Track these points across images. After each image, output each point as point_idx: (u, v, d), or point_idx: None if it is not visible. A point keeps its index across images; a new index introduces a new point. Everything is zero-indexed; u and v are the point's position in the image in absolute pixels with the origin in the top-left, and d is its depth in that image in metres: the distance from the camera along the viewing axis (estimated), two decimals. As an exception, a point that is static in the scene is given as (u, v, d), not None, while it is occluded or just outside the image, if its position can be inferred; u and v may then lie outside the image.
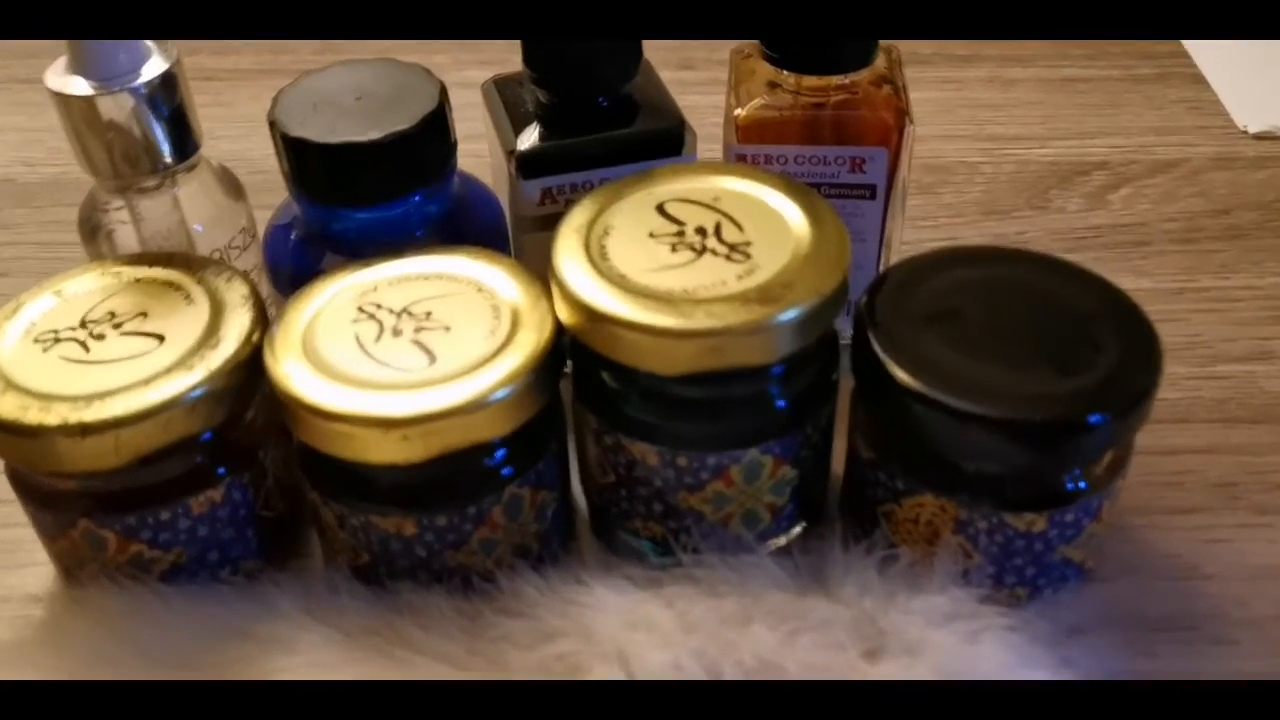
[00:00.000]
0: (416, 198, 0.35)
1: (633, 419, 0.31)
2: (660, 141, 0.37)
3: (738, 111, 0.37)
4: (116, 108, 0.33)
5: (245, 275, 0.33)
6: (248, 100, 0.59)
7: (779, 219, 0.32)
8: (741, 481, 0.31)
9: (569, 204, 0.36)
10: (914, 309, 0.32)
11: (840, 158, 0.37)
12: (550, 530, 0.33)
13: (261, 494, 0.33)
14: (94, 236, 0.35)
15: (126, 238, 0.36)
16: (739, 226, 0.31)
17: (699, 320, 0.28)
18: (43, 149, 0.54)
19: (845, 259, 0.30)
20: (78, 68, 0.33)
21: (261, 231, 0.38)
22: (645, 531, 0.33)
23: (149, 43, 0.34)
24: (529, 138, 0.36)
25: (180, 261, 0.34)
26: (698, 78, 0.59)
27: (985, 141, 0.53)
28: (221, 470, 0.31)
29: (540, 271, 0.37)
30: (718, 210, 0.32)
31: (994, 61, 0.59)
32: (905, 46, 0.40)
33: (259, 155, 0.55)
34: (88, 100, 0.33)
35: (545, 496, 0.32)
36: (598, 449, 0.32)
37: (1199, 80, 0.57)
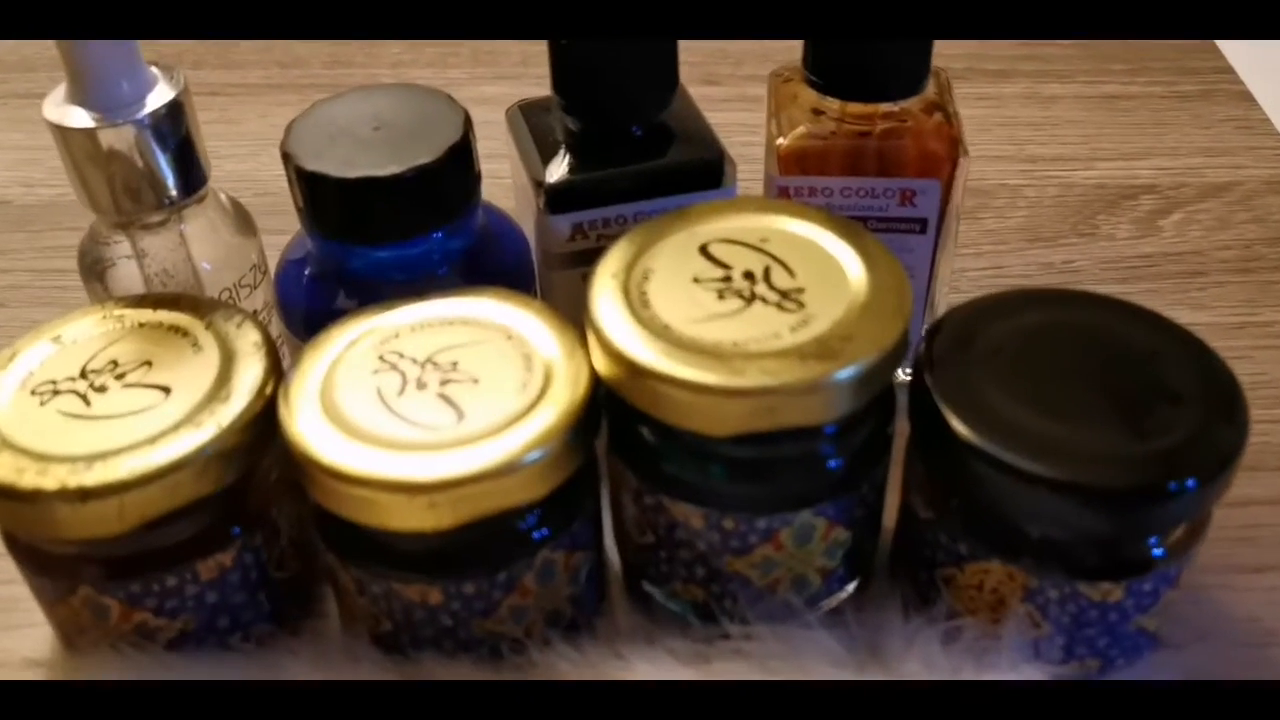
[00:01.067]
0: (438, 235, 0.33)
1: (675, 478, 0.29)
2: (699, 173, 0.34)
3: (780, 141, 0.35)
4: (119, 140, 0.31)
5: (257, 319, 0.31)
6: (255, 118, 0.57)
7: (832, 262, 0.29)
8: (792, 545, 0.29)
9: (600, 240, 0.34)
10: (977, 356, 0.29)
11: (890, 190, 0.35)
12: (583, 593, 0.31)
13: (275, 554, 0.31)
14: (95, 276, 0.33)
15: (129, 275, 0.34)
16: (790, 271, 0.29)
17: (751, 378, 0.26)
18: (42, 169, 0.52)
19: (906, 308, 0.28)
20: (78, 97, 0.31)
21: (273, 266, 0.36)
22: (685, 594, 0.31)
23: (154, 69, 0.32)
24: (558, 169, 0.34)
25: (187, 304, 0.31)
26: (724, 94, 0.57)
27: (1026, 163, 0.51)
28: (233, 532, 0.29)
29: (571, 312, 0.35)
30: (766, 252, 0.30)
31: (1030, 77, 0.56)
32: (935, 61, 0.37)
33: (268, 176, 0.53)
34: (88, 133, 0.30)
35: (579, 558, 0.30)
36: (635, 508, 0.30)
37: (1246, 98, 0.54)
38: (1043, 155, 0.51)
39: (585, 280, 0.35)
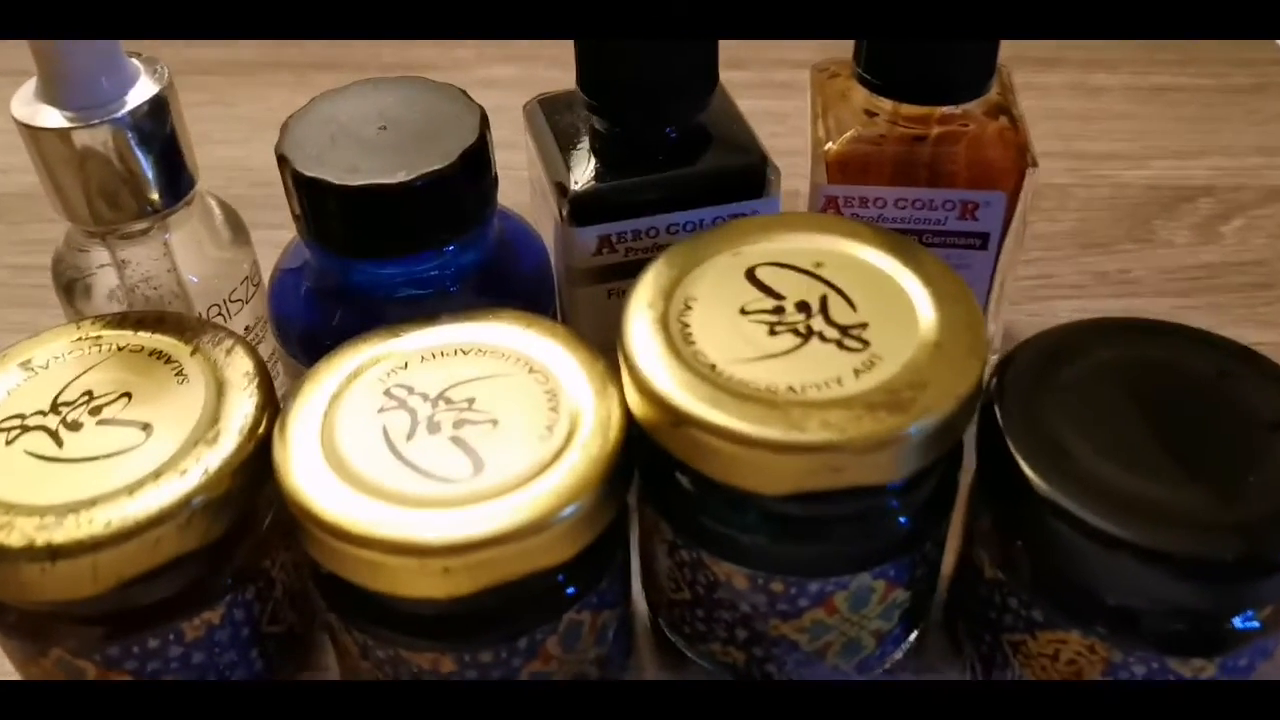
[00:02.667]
0: (451, 248, 0.29)
1: (716, 534, 0.26)
2: (739, 181, 0.31)
3: (828, 146, 0.32)
4: (96, 142, 0.27)
5: (249, 344, 0.28)
6: (249, 100, 0.53)
7: (895, 291, 0.26)
8: (846, 609, 0.26)
9: (630, 253, 0.31)
10: (1054, 397, 0.26)
11: (950, 202, 0.32)
12: (610, 653, 0.28)
13: (268, 608, 0.27)
14: (71, 290, 0.30)
15: (108, 288, 0.30)
16: (849, 302, 0.26)
17: (812, 432, 0.23)
18: (20, 154, 0.47)
19: (982, 348, 0.25)
20: (50, 94, 0.27)
21: (266, 274, 0.33)
22: (724, 657, 0.28)
23: (135, 62, 0.28)
24: (583, 175, 0.31)
25: (172, 324, 0.28)
26: (749, 80, 0.53)
27: (1075, 160, 0.47)
28: (222, 587, 0.26)
29: (596, 332, 0.32)
30: (821, 279, 0.26)
31: (1076, 66, 0.53)
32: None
33: (261, 164, 0.49)
34: (61, 134, 0.27)
35: (607, 617, 0.27)
36: (670, 561, 0.27)
37: (1305, 91, 0.51)
38: (1092, 152, 0.48)
39: (611, 297, 0.32)
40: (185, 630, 0.26)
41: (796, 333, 0.25)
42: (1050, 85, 0.52)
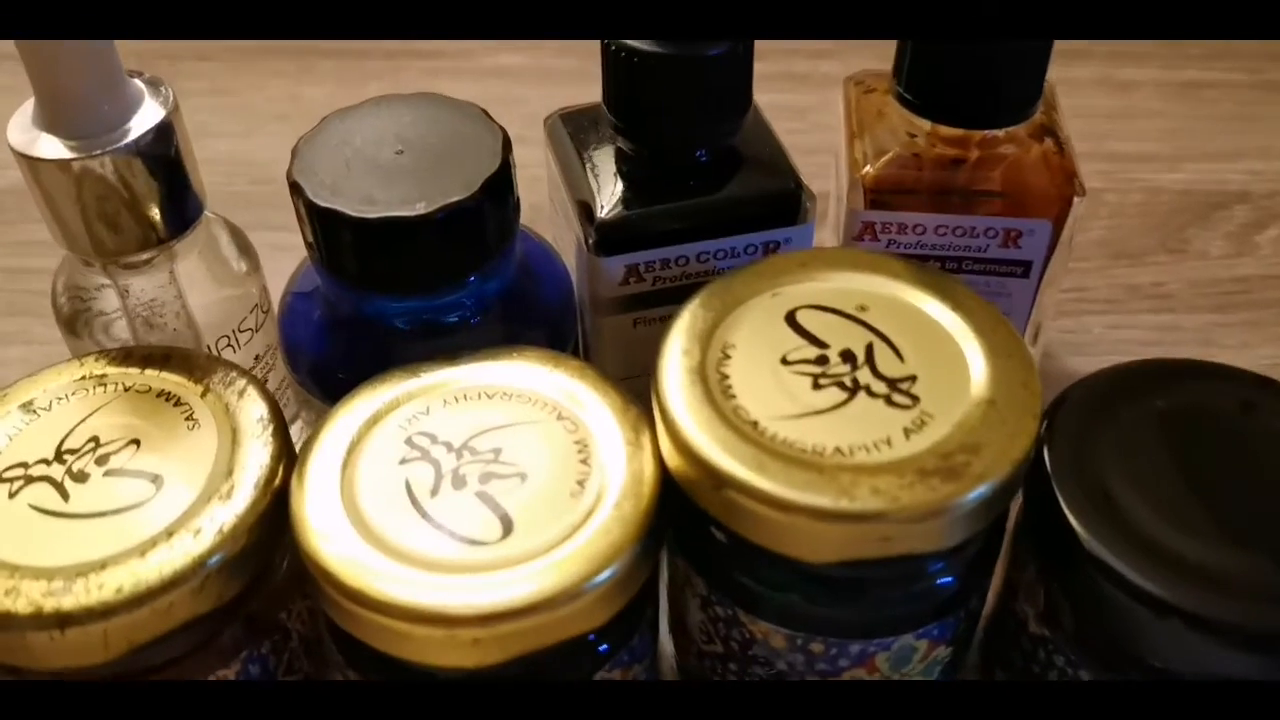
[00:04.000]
0: (471, 279, 0.28)
1: (754, 593, 0.25)
2: (773, 208, 0.30)
3: (866, 170, 0.30)
4: (99, 174, 0.26)
5: (262, 386, 0.26)
6: (248, 89, 0.51)
7: (944, 339, 0.25)
8: (887, 669, 0.25)
9: (657, 282, 0.30)
10: (1107, 449, 0.25)
11: (992, 230, 0.30)
12: (640, 705, 0.27)
13: (284, 659, 0.26)
14: (72, 321, 0.29)
15: (111, 317, 0.29)
16: (896, 351, 0.25)
17: (862, 500, 0.22)
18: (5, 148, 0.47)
19: (1037, 406, 0.24)
20: (48, 120, 0.26)
21: (275, 294, 0.31)
22: (757, 710, 0.27)
23: (138, 84, 0.27)
24: (610, 202, 0.29)
25: (180, 362, 0.27)
26: (764, 72, 0.51)
27: (1105, 162, 0.46)
28: (237, 644, 0.25)
29: (621, 363, 0.31)
30: (865, 324, 0.25)
31: (1103, 59, 0.51)
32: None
33: (263, 159, 0.48)
34: (62, 165, 0.26)
35: (636, 671, 0.26)
36: (702, 614, 0.26)
37: (1342, 89, 0.50)
38: (1123, 153, 0.46)
39: (637, 326, 0.31)
40: (199, 689, 0.25)
41: (842, 386, 0.24)
42: (1078, 80, 0.50)
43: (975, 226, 0.30)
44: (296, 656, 0.27)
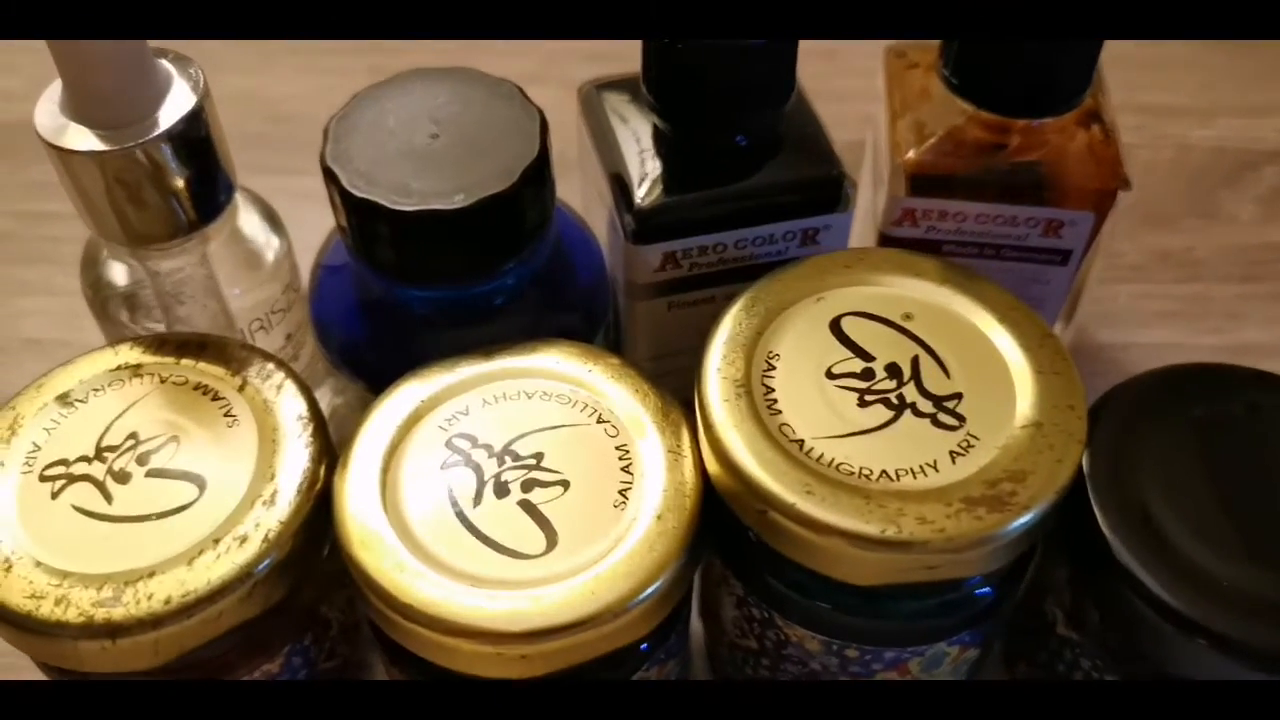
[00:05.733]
0: (507, 267, 0.28)
1: (792, 601, 0.25)
2: (813, 195, 0.29)
3: (909, 155, 0.30)
4: (130, 164, 0.25)
5: (299, 379, 0.26)
6: (261, 17, 0.49)
7: (991, 354, 0.25)
8: (919, 671, 0.26)
9: (694, 268, 0.30)
10: (1145, 459, 0.25)
11: (1033, 219, 0.30)
12: (672, 693, 0.28)
13: (324, 648, 0.27)
14: (105, 306, 0.28)
15: (143, 297, 0.29)
16: (942, 366, 0.24)
17: (908, 529, 0.22)
18: (20, 77, 0.45)
19: (1081, 429, 0.23)
20: (77, 109, 0.25)
21: (303, 263, 0.31)
22: (787, 700, 0.28)
23: (166, 66, 0.26)
24: (648, 187, 0.29)
25: (215, 351, 0.27)
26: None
27: (1137, 114, 0.45)
28: (281, 639, 0.25)
29: (654, 343, 0.31)
30: (911, 335, 0.25)
31: None
32: None
33: (278, 95, 0.46)
34: (92, 157, 0.25)
35: (671, 666, 0.27)
36: (738, 613, 0.27)
37: (1383, 40, 0.48)
38: (1155, 106, 0.45)
39: (671, 309, 0.31)
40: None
41: (888, 404, 0.24)
42: (1113, 25, 0.49)
43: (1016, 215, 0.30)
44: (336, 643, 0.27)
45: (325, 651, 0.27)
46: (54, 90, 0.26)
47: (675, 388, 0.30)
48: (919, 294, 0.26)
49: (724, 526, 0.25)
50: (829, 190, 0.29)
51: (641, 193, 0.29)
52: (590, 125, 0.31)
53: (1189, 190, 0.42)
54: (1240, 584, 0.24)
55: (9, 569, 0.23)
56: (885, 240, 0.31)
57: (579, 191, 0.34)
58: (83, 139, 0.25)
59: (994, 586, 0.25)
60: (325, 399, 0.33)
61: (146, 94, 0.25)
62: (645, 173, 0.29)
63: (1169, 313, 0.39)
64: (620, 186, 0.29)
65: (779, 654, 0.26)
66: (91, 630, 0.22)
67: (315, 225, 0.31)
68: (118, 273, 0.28)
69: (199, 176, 0.26)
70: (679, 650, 0.27)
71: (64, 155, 0.25)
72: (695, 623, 0.30)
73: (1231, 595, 0.23)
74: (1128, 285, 0.39)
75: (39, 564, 0.23)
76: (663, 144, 0.29)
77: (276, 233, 0.30)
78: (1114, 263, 0.40)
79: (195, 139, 0.26)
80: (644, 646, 0.25)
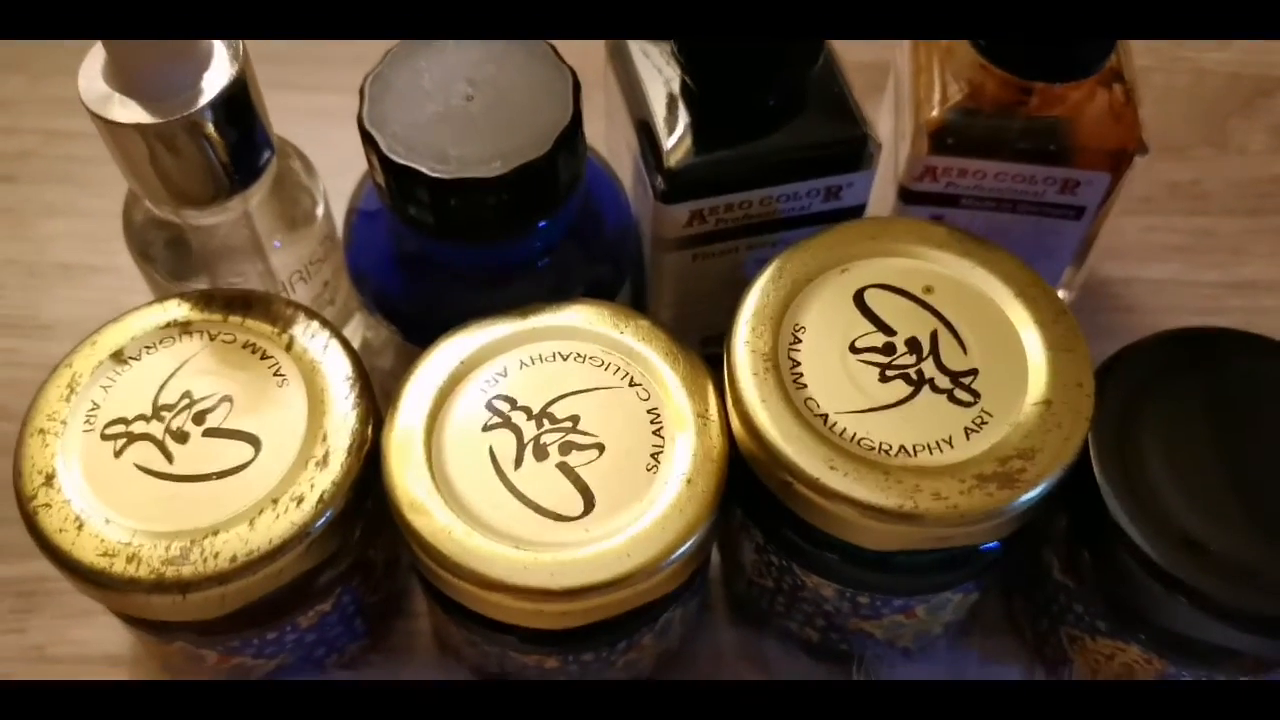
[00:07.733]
0: (541, 225, 0.29)
1: (810, 554, 0.27)
2: (837, 154, 0.30)
3: (933, 113, 0.30)
4: (174, 135, 0.26)
5: (344, 339, 0.27)
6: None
7: (1007, 329, 0.26)
8: (924, 614, 0.28)
9: (720, 224, 0.30)
10: (1149, 424, 0.27)
11: (1051, 178, 0.31)
12: (691, 628, 0.30)
13: (371, 585, 0.29)
14: (148, 254, 0.29)
15: (186, 246, 0.29)
16: (960, 341, 0.26)
17: (924, 502, 0.24)
18: (29, -17, 0.45)
19: (1088, 407, 0.25)
20: (121, 81, 0.25)
21: (340, 216, 0.32)
22: (800, 634, 0.30)
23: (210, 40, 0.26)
24: (677, 146, 0.29)
25: (259, 308, 0.28)
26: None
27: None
28: (334, 582, 0.27)
29: (679, 292, 0.32)
30: (931, 310, 0.26)
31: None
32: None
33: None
34: (138, 128, 0.25)
35: (694, 605, 0.29)
36: (757, 557, 0.28)
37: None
38: (1173, 26, 0.45)
39: (697, 260, 0.31)
40: (300, 621, 0.27)
41: (908, 379, 0.25)
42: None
43: (1035, 174, 0.30)
44: (380, 579, 0.29)
45: (371, 588, 0.29)
46: (95, 57, 0.26)
47: (699, 332, 0.31)
48: (941, 266, 0.27)
49: (747, 485, 0.27)
50: (854, 149, 0.30)
51: (671, 151, 0.29)
52: (618, 73, 0.32)
53: (1202, 118, 0.43)
54: (1227, 549, 0.25)
55: (80, 527, 0.25)
56: (905, 193, 0.31)
57: (603, 135, 0.34)
58: (128, 111, 0.25)
59: (999, 545, 0.27)
60: (356, 334, 0.34)
61: (190, 64, 0.25)
62: (673, 129, 0.30)
63: (1174, 246, 0.40)
64: (648, 136, 0.30)
65: (795, 595, 0.28)
66: (163, 586, 0.24)
67: (338, 146, 0.31)
68: (158, 228, 0.29)
69: (241, 141, 0.27)
70: (700, 588, 0.29)
71: (110, 126, 0.25)
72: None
73: (1218, 558, 0.25)
74: (1135, 218, 0.40)
75: (108, 521, 0.25)
76: (691, 102, 0.30)
77: (312, 184, 0.31)
78: (1124, 193, 0.41)
79: (237, 106, 0.26)
80: (672, 596, 0.27)
